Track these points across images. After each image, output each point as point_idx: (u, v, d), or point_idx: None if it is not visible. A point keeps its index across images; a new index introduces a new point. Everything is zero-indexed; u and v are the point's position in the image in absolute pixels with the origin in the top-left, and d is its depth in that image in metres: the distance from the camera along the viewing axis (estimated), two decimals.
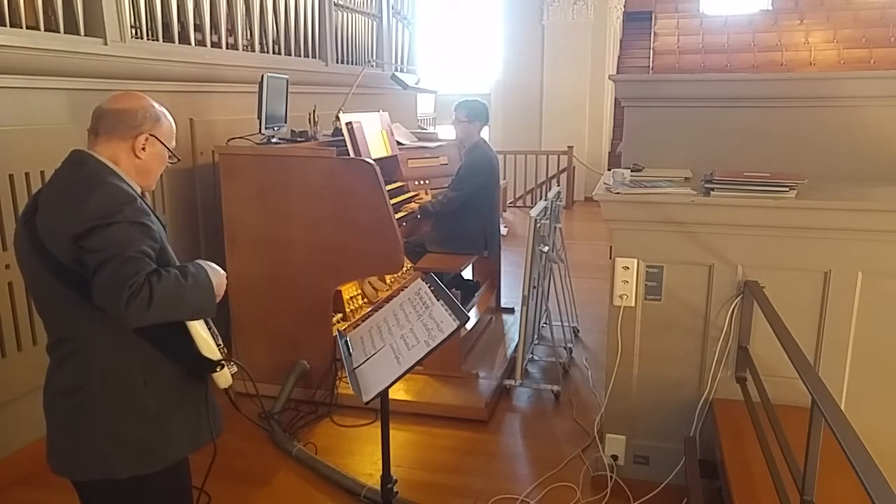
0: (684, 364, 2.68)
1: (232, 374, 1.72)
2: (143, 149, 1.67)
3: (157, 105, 1.73)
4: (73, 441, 1.65)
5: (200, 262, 1.68)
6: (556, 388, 3.72)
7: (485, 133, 4.35)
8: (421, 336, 2.01)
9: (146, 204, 1.66)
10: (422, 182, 4.47)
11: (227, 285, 1.75)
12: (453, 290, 3.96)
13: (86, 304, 1.54)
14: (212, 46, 4.13)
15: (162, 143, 1.72)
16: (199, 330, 1.65)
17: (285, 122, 3.91)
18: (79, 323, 1.60)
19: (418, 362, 1.96)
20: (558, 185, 8.73)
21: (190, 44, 3.91)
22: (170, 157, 1.76)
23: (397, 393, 3.48)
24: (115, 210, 1.52)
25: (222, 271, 1.73)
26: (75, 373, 1.62)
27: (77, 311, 1.57)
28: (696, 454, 2.55)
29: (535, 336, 4.28)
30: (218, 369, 1.68)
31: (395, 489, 2.25)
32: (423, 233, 4.37)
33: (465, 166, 4.18)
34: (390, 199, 3.59)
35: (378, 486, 2.35)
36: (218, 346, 1.69)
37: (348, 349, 2.24)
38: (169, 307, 1.52)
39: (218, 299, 1.68)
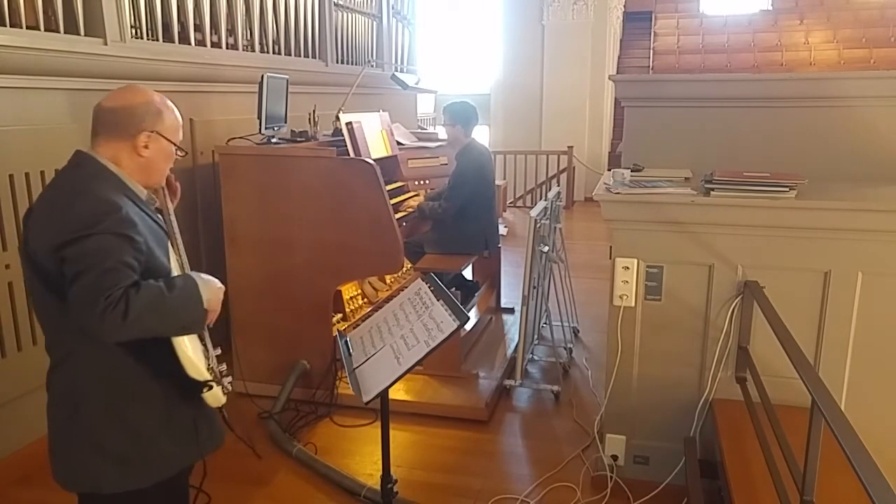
0: (684, 364, 2.68)
1: (225, 393, 1.64)
2: (146, 147, 1.59)
3: (158, 98, 1.63)
4: (64, 451, 1.60)
5: (193, 273, 1.59)
6: (556, 388, 3.72)
7: (483, 133, 4.29)
8: (421, 336, 2.01)
9: (143, 209, 1.60)
10: (422, 182, 4.46)
11: (227, 286, 1.70)
12: (453, 290, 3.96)
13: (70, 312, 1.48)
14: (212, 46, 4.13)
15: (166, 138, 1.62)
16: (186, 348, 1.55)
17: (285, 122, 3.91)
18: (67, 329, 1.53)
19: (418, 362, 1.96)
20: (558, 185, 8.73)
21: (190, 44, 3.91)
22: (176, 150, 1.67)
23: (397, 393, 3.48)
24: (95, 221, 1.44)
25: (219, 284, 1.62)
26: (67, 379, 1.58)
27: (65, 318, 1.50)
28: (696, 454, 2.55)
29: (535, 336, 4.28)
30: (206, 390, 1.60)
31: (395, 489, 2.25)
32: (422, 233, 4.37)
33: (454, 175, 4.11)
34: (390, 199, 3.58)
35: (378, 486, 2.35)
36: (209, 362, 1.61)
37: (348, 349, 2.24)
38: (149, 322, 1.44)
39: (214, 315, 1.60)
